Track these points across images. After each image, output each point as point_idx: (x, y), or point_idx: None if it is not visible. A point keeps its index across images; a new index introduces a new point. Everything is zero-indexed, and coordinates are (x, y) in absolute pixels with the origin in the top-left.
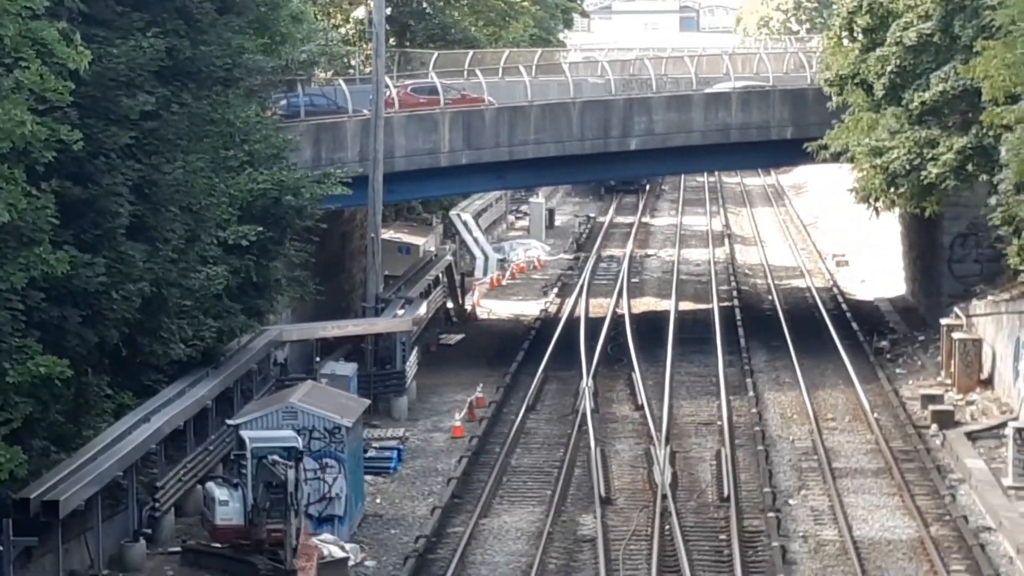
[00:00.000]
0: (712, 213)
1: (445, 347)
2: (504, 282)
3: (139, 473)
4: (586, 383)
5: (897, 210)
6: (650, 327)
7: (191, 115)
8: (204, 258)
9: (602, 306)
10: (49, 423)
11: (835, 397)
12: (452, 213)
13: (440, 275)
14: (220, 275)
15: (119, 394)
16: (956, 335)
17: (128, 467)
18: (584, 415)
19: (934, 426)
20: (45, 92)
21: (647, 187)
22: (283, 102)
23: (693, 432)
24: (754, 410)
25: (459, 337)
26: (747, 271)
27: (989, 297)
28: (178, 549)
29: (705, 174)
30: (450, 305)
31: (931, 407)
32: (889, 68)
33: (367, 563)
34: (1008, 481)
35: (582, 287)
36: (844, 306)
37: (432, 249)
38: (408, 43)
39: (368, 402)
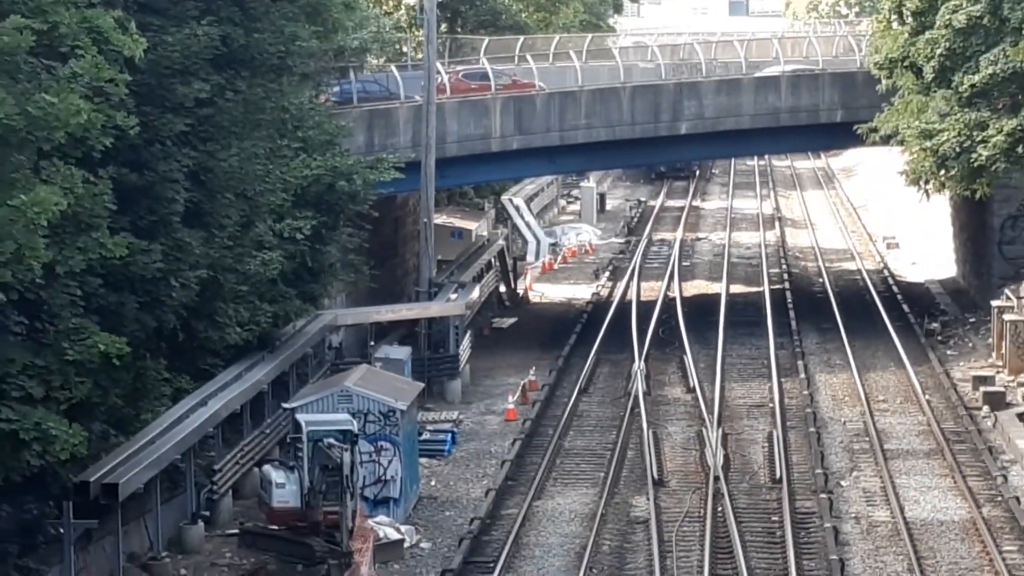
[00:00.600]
0: (762, 196)
1: (498, 331)
2: (556, 266)
3: (197, 456)
4: (638, 366)
5: (947, 192)
6: (701, 310)
7: (245, 102)
8: (259, 244)
9: (653, 289)
10: (108, 406)
11: (886, 379)
12: (504, 198)
13: (492, 259)
14: (275, 260)
15: (177, 378)
16: (1007, 316)
17: (186, 450)
18: (636, 398)
19: (985, 407)
20: (101, 82)
21: (697, 172)
22: (336, 89)
23: (745, 414)
24: (805, 392)
25: (511, 321)
26: (798, 254)
27: None
28: (236, 531)
29: (755, 158)
30: (502, 289)
31: (982, 388)
32: (938, 51)
33: (422, 544)
34: None
35: (633, 271)
36: (895, 288)
37: (484, 234)
38: (459, 29)
39: (422, 385)
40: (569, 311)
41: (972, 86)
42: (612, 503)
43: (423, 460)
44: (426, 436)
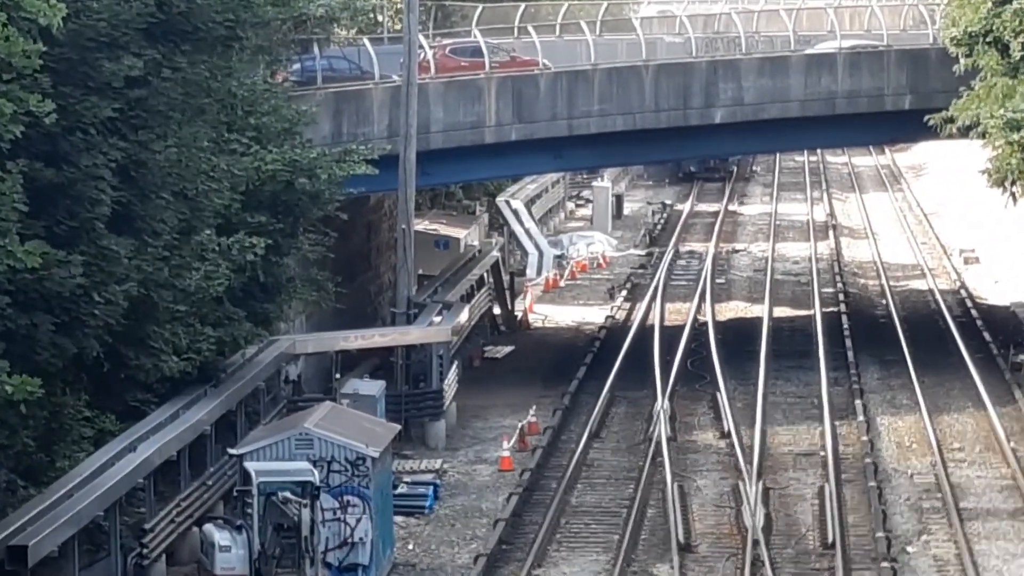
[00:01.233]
0: (814, 200)
1: (491, 361)
2: (562, 283)
3: (123, 513)
4: (661, 405)
5: None
6: (739, 338)
7: (185, 82)
8: (201, 254)
9: (680, 312)
10: (16, 452)
11: (963, 422)
12: (499, 200)
13: (485, 275)
14: (220, 275)
15: (100, 417)
16: None
17: (110, 506)
18: (659, 444)
19: None
20: (10, 58)
21: (734, 170)
22: (296, 67)
23: (791, 465)
24: (864, 438)
25: (508, 349)
26: (856, 270)
27: None
28: None
29: (805, 153)
30: (497, 311)
31: None
32: None
33: None
34: None
35: (656, 289)
36: (974, 312)
37: (475, 243)
38: None
39: (398, 428)
40: (578, 338)
41: None
42: (628, 572)
43: (399, 519)
44: (403, 489)
